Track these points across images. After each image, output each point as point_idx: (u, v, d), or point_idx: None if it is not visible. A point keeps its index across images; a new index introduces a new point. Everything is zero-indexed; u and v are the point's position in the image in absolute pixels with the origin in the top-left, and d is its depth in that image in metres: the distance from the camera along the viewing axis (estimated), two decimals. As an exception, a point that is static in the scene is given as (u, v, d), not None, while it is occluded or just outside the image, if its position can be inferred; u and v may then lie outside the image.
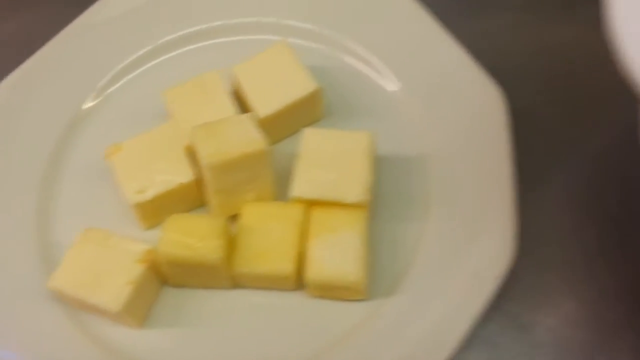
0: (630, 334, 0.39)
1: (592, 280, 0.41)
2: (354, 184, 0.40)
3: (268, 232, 0.40)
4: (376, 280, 0.41)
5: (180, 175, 0.41)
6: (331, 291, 0.39)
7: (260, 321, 0.40)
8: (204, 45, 0.50)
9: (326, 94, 0.47)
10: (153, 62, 0.50)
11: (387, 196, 0.44)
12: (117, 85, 0.49)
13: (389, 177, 0.44)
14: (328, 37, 0.49)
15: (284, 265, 0.39)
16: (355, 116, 0.47)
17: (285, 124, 0.44)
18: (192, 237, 0.38)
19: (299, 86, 0.44)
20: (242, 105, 0.45)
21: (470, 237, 0.40)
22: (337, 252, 0.39)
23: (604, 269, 0.41)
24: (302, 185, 0.40)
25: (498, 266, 0.39)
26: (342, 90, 0.48)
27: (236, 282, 0.40)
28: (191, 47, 0.50)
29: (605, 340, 0.39)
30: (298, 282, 0.40)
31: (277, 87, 0.44)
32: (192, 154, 0.42)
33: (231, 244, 0.40)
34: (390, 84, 0.47)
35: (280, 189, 0.42)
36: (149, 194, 0.41)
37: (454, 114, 0.45)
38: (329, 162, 0.41)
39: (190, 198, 0.42)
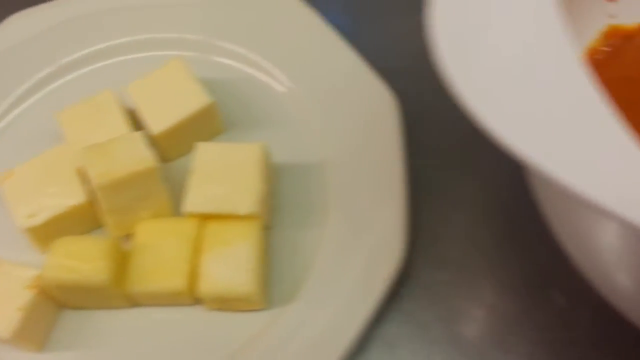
0: (526, 327, 0.40)
1: (487, 276, 0.42)
2: (245, 196, 0.40)
3: (161, 249, 0.40)
4: (275, 289, 0.41)
5: (72, 197, 0.41)
6: (228, 303, 0.40)
7: (160, 338, 0.40)
8: (102, 65, 0.50)
9: (227, 106, 0.47)
10: (52, 86, 0.50)
11: (286, 204, 0.44)
12: (15, 112, 0.49)
13: (289, 185, 0.45)
14: (227, 49, 0.50)
15: (176, 281, 0.39)
16: (256, 127, 0.47)
17: (183, 140, 0.44)
18: (77, 259, 0.38)
19: (193, 101, 0.44)
20: (138, 124, 0.45)
21: (363, 240, 0.41)
22: (229, 265, 0.39)
23: (499, 265, 0.42)
24: (194, 200, 0.41)
25: (388, 267, 0.39)
26: (244, 102, 0.48)
27: (134, 301, 0.41)
28: (89, 68, 0.50)
29: (501, 334, 0.40)
30: (195, 296, 0.40)
31: (171, 103, 0.44)
32: (84, 176, 0.42)
33: (124, 263, 0.40)
34: (289, 93, 0.48)
35: (179, 205, 0.42)
36: (40, 217, 0.41)
37: (350, 119, 0.45)
38: (222, 175, 0.41)
39: (86, 220, 0.42)
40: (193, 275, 0.39)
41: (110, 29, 0.51)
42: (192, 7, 0.51)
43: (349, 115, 0.46)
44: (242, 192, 0.40)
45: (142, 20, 0.51)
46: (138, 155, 0.40)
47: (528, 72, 0.25)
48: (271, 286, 0.41)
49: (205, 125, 0.45)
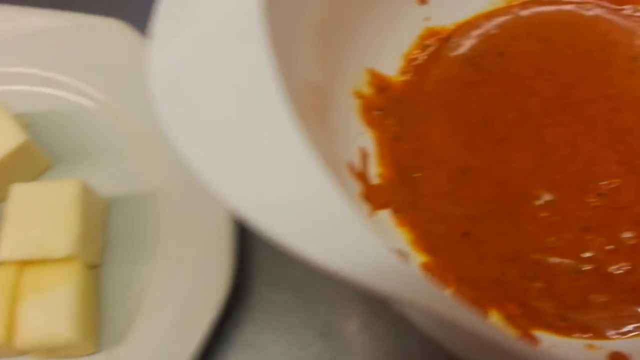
0: (364, 339, 0.40)
1: (324, 293, 0.41)
2: (62, 237, 0.38)
3: (-24, 302, 0.38)
4: (106, 330, 0.40)
5: None
6: (53, 352, 0.38)
7: (-14, 395, 0.38)
8: None
9: (55, 140, 0.46)
10: None
11: (117, 239, 0.42)
12: None
13: (121, 219, 0.43)
14: (55, 80, 0.48)
15: (-10, 335, 0.37)
16: (87, 159, 0.45)
17: (1, 182, 0.42)
18: None
19: (6, 140, 0.42)
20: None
21: (192, 269, 0.40)
22: (47, 312, 0.37)
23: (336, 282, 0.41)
24: (7, 247, 0.38)
25: (217, 293, 0.38)
26: (73, 134, 0.46)
27: (-45, 359, 0.38)
28: None
29: (339, 349, 0.40)
30: (17, 348, 0.38)
31: (-18, 145, 0.42)
32: None
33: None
34: (120, 123, 0.46)
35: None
36: None
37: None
38: (36, 217, 0.39)
39: None
40: (11, 326, 0.37)
41: None
42: (13, 41, 0.49)
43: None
44: (58, 234, 0.39)
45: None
46: (-56, 205, 0.38)
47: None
48: (102, 327, 0.40)
49: (26, 164, 0.43)
